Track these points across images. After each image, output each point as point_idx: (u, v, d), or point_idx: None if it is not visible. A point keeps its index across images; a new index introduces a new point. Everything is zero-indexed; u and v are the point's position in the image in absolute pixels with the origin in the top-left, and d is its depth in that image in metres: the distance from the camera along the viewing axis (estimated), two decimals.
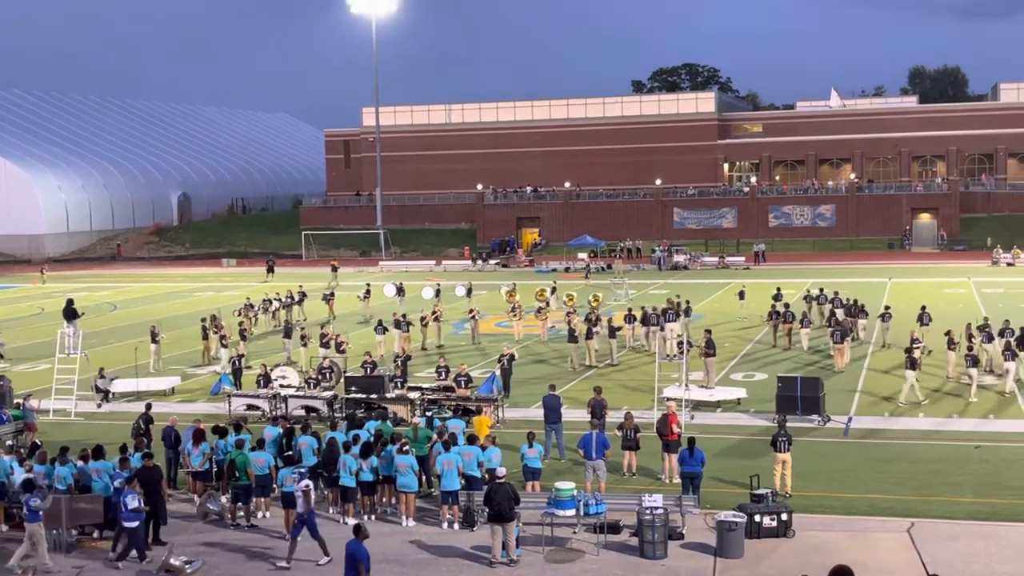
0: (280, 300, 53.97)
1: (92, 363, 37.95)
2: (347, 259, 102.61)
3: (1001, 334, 37.47)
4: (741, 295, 53.24)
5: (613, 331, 41.71)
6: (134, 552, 20.60)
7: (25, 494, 20.48)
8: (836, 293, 49.16)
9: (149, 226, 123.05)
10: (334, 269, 75.99)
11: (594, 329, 41.16)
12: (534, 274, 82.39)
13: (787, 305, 46.63)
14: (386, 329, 44.54)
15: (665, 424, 25.01)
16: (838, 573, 11.81)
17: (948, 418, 30.81)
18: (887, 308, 44.93)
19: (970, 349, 33.84)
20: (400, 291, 57.00)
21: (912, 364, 33.14)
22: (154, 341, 42.85)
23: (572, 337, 40.26)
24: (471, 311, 48.16)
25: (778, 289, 51.55)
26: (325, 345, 40.29)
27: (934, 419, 30.75)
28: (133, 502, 20.45)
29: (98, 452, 22.82)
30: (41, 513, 20.08)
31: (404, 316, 45.90)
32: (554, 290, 56.67)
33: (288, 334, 44.36)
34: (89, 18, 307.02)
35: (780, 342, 44.17)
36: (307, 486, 20.46)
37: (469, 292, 57.16)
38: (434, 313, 46.73)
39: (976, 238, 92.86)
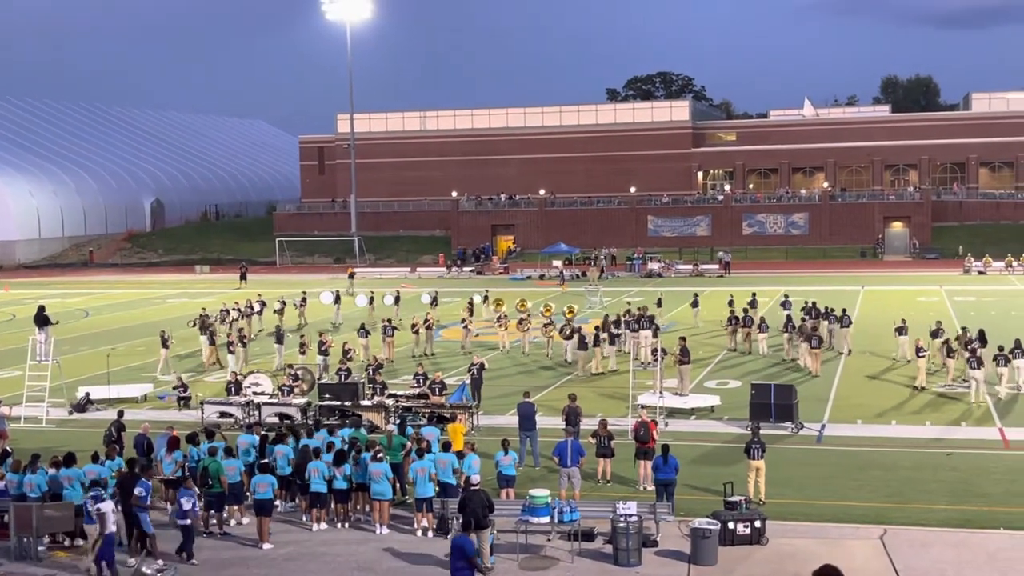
0: (239, 310, 52.89)
1: (64, 370, 37.65)
2: (321, 266, 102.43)
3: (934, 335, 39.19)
4: (658, 302, 54.36)
5: (613, 338, 41.96)
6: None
7: (94, 491, 20.67)
8: (786, 296, 50.21)
9: (122, 232, 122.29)
10: (351, 276, 75.96)
11: (601, 336, 41.34)
12: (509, 281, 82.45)
13: (745, 310, 47.43)
14: (368, 333, 44.66)
15: (647, 431, 25.06)
16: (824, 573, 11.81)
17: (921, 425, 30.99)
18: (831, 310, 45.91)
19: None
20: (337, 299, 57.01)
21: (979, 364, 33.77)
22: (164, 346, 43.21)
23: (582, 344, 40.46)
24: (463, 320, 48.04)
25: (694, 296, 54.05)
26: (324, 352, 40.12)
27: (907, 426, 30.90)
28: (188, 503, 20.76)
29: (70, 459, 22.65)
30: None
31: (389, 321, 46.06)
32: (485, 299, 56.53)
33: (280, 340, 44.18)
34: (62, 26, 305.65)
35: (739, 346, 45.03)
36: (99, 510, 20.13)
37: (397, 300, 57.15)
38: (426, 321, 46.64)
39: (948, 247, 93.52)
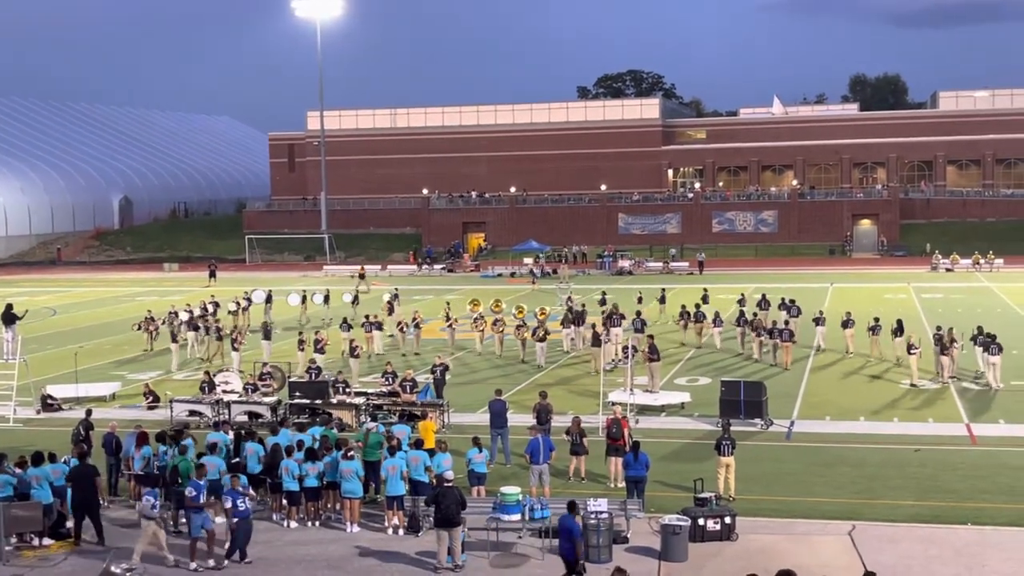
0: (189, 312, 50.94)
1: (31, 369, 37.35)
2: (291, 263, 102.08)
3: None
4: (661, 298, 55.92)
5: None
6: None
7: (146, 488, 20.59)
8: (705, 290, 53.67)
9: (89, 230, 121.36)
10: (362, 276, 75.59)
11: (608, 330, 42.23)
12: (480, 279, 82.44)
13: (698, 306, 48.11)
14: (350, 327, 44.79)
15: (619, 427, 25.10)
16: None
17: (889, 422, 31.21)
18: (793, 301, 47.87)
19: None
20: (269, 299, 56.95)
21: (999, 350, 35.30)
22: (173, 340, 43.59)
23: (596, 341, 40.65)
24: (447, 318, 47.67)
25: (625, 297, 55.22)
26: (320, 351, 39.97)
27: (875, 423, 31.11)
28: (243, 504, 20.50)
29: (37, 459, 22.46)
30: (157, 509, 20.39)
31: (368, 317, 46.45)
32: (396, 296, 56.46)
33: (268, 336, 43.94)
34: (28, 22, 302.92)
35: (691, 341, 45.92)
36: None
37: (326, 299, 57.05)
38: (414, 319, 46.44)
39: (915, 244, 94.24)
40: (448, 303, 52.53)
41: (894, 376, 37.93)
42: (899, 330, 40.11)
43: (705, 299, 51.70)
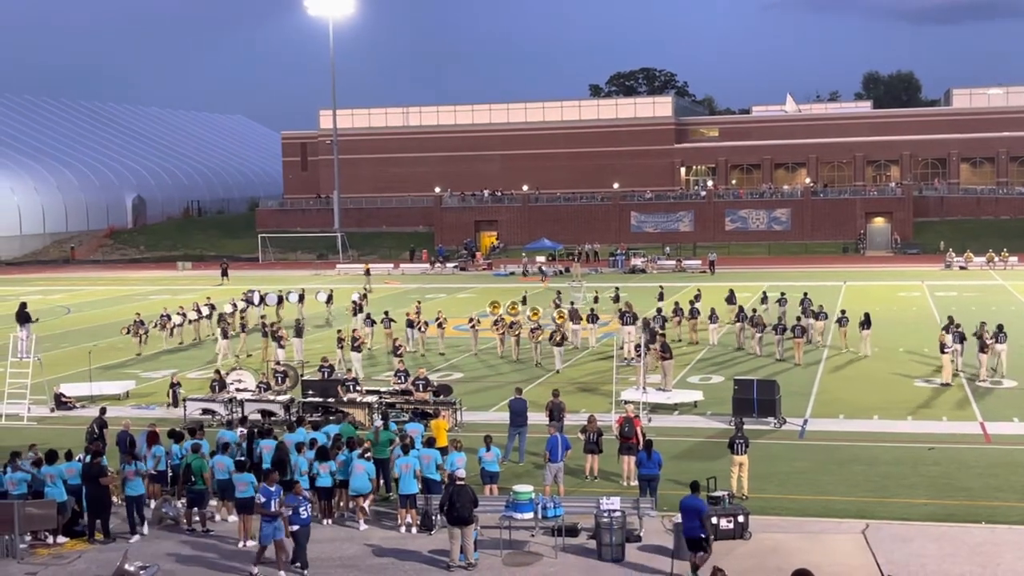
0: (182, 315, 50.83)
1: (45, 367, 37.47)
2: (304, 262, 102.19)
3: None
4: (729, 297, 55.63)
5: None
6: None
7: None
8: (661, 287, 55.51)
9: (103, 229, 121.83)
10: (367, 273, 75.75)
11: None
12: (492, 277, 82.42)
13: (691, 302, 48.53)
14: (374, 322, 45.08)
15: (632, 426, 25.08)
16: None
17: (903, 420, 31.12)
18: (805, 295, 48.45)
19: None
20: (261, 300, 57.08)
21: (1005, 338, 37.07)
22: (224, 336, 43.85)
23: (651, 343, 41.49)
24: (471, 319, 47.45)
25: (613, 293, 56.30)
26: (356, 349, 40.03)
27: (889, 421, 31.02)
28: (305, 512, 20.16)
29: (51, 457, 22.55)
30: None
31: (387, 313, 46.88)
32: (364, 297, 56.27)
33: (299, 334, 44.00)
34: (44, 21, 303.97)
35: (685, 337, 46.38)
36: None
37: (301, 299, 57.12)
38: (437, 319, 46.44)
39: (929, 242, 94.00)
40: (418, 302, 52.42)
41: (908, 373, 37.79)
42: (866, 323, 41.68)
43: (661, 296, 53.02)
